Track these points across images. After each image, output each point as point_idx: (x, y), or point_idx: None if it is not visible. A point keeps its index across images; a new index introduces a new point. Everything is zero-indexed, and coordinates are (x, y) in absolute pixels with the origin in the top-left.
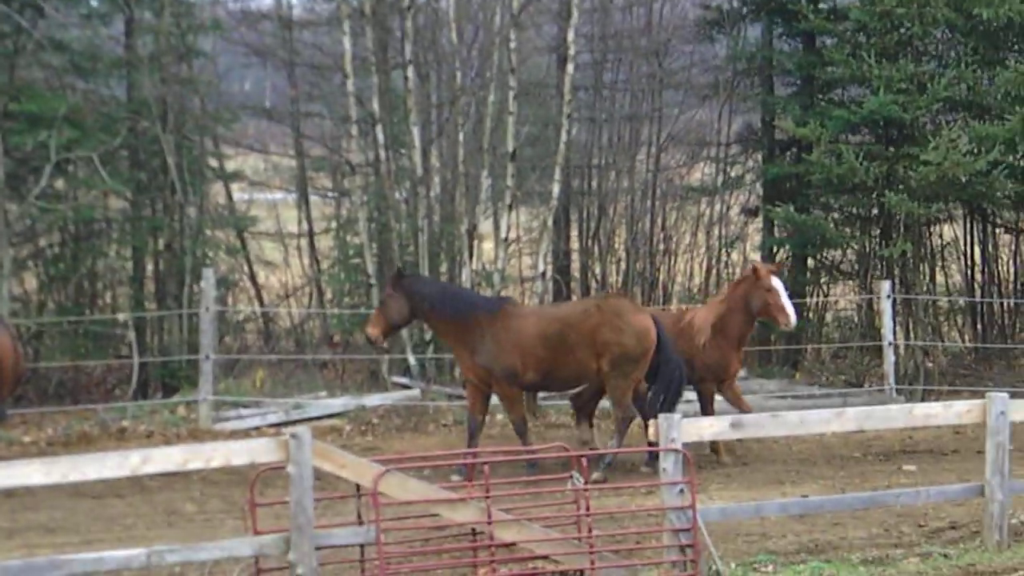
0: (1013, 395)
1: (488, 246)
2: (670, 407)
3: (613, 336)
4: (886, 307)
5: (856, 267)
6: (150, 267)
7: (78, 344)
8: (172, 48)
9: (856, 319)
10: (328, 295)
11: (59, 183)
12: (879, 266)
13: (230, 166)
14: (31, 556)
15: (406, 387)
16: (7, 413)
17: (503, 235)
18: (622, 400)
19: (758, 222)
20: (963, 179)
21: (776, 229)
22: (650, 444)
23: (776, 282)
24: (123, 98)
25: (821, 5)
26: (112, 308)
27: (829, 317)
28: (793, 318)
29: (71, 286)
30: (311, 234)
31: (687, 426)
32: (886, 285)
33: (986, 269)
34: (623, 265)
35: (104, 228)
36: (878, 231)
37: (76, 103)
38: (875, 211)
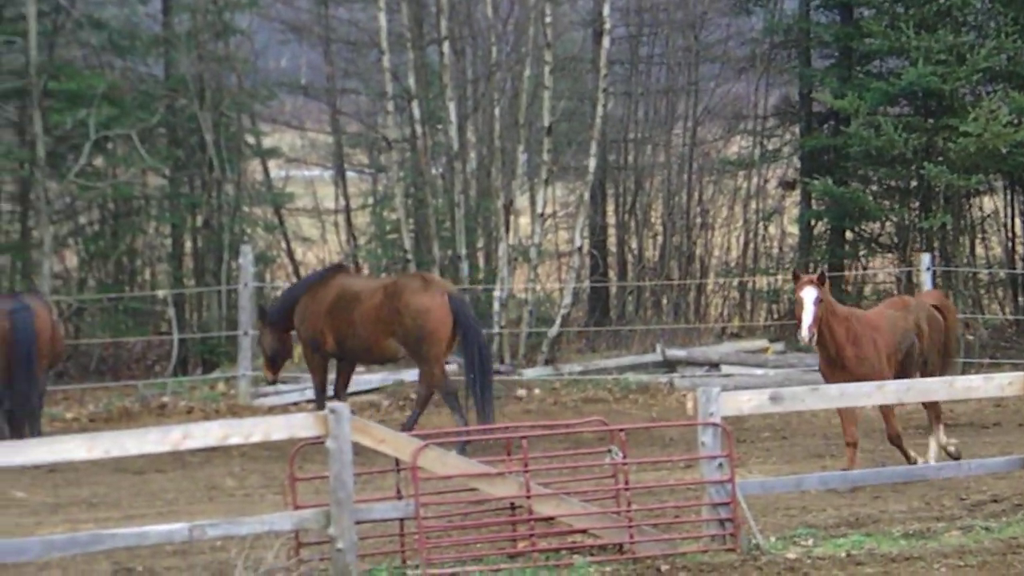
0: None
1: (524, 221)
2: (482, 386)
3: (392, 316)
4: (926, 279)
5: (895, 240)
6: (189, 244)
7: (118, 321)
8: (209, 25)
9: (895, 292)
10: (365, 271)
11: (98, 161)
12: (918, 238)
13: (267, 143)
14: (75, 531)
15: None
16: (48, 389)
17: (539, 210)
18: (426, 379)
19: (796, 195)
20: (1003, 150)
21: (814, 202)
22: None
23: (804, 293)
24: (161, 76)
25: None
26: (151, 285)
27: (868, 290)
28: (803, 333)
29: (111, 263)
30: (348, 210)
31: (726, 400)
32: (926, 258)
33: None
34: (659, 239)
35: (143, 205)
36: (917, 203)
37: (114, 81)
38: (914, 183)
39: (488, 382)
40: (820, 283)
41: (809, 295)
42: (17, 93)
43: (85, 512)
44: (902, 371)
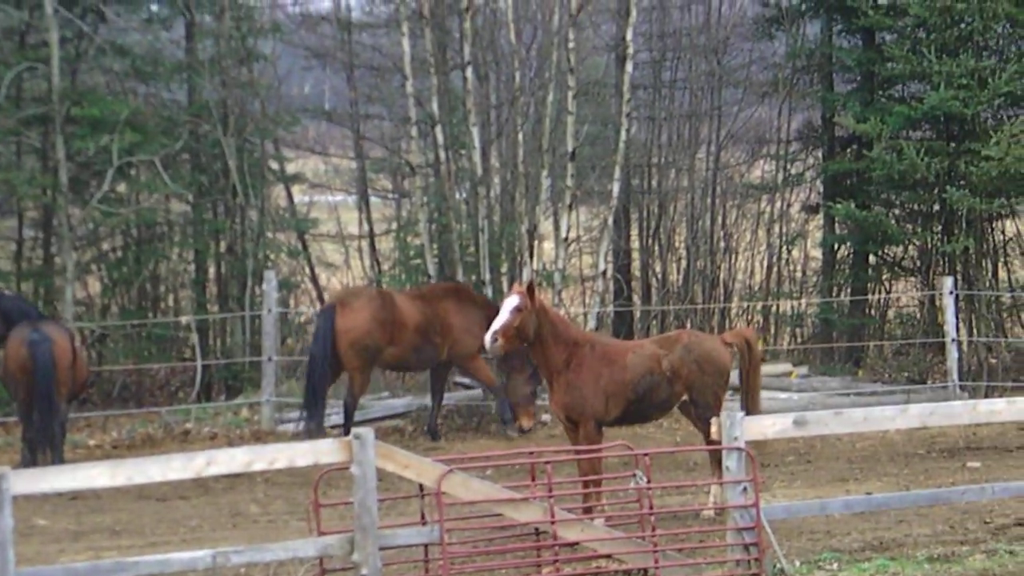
0: None
1: (548, 246)
2: (308, 405)
3: None
4: (949, 303)
5: (918, 263)
6: (212, 270)
7: (141, 347)
8: (232, 51)
9: (918, 316)
10: None
11: (121, 187)
12: (941, 262)
13: (291, 168)
14: (97, 559)
15: (468, 387)
16: (70, 416)
17: (563, 235)
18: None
19: (819, 219)
20: None
21: (837, 226)
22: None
23: (505, 300)
24: (184, 102)
25: (880, 1)
26: (175, 311)
27: (891, 314)
28: (486, 336)
29: (134, 289)
30: (372, 236)
31: (750, 424)
32: (948, 281)
33: None
34: (683, 263)
35: (166, 231)
36: (940, 227)
37: (138, 107)
38: (936, 207)
39: (314, 399)
40: (529, 293)
41: (508, 302)
42: (40, 119)
43: (108, 539)
44: (639, 413)
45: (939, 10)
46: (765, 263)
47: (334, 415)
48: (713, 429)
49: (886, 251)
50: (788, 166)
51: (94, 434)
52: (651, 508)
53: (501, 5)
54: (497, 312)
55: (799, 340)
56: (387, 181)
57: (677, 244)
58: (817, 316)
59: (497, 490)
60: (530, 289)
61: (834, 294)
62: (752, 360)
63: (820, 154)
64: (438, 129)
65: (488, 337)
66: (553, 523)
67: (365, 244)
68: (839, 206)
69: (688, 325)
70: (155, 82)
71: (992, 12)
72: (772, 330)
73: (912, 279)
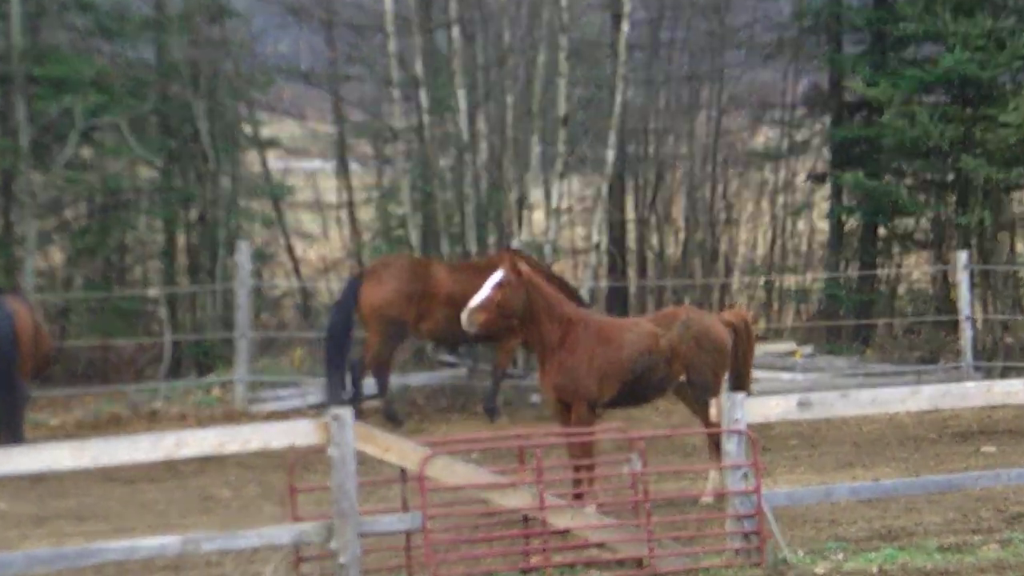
0: None
1: (539, 216)
2: (327, 379)
3: None
4: (963, 279)
5: (931, 236)
6: (182, 240)
7: (107, 321)
8: (203, 7)
9: (931, 292)
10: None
11: (85, 151)
12: (955, 235)
13: (265, 132)
14: (61, 544)
15: (452, 366)
16: (31, 394)
17: (555, 204)
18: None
19: (826, 189)
20: None
21: (845, 196)
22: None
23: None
24: (152, 61)
25: None
26: (142, 283)
27: (902, 290)
28: (463, 313)
29: (99, 260)
30: (351, 204)
31: (752, 405)
32: (963, 255)
33: None
34: (681, 235)
35: (133, 199)
36: (954, 198)
37: (103, 67)
38: (951, 176)
39: (333, 362)
40: (512, 266)
41: (492, 277)
42: None
43: (72, 524)
44: (634, 394)
45: None
46: (768, 235)
47: (310, 395)
48: (712, 411)
49: (897, 223)
50: (793, 132)
51: (57, 413)
52: (646, 494)
53: None
54: (561, 285)
55: (804, 317)
56: (367, 146)
57: (675, 215)
58: (823, 292)
59: (483, 474)
60: (513, 261)
61: (841, 269)
62: (749, 342)
63: (827, 120)
64: (422, 91)
65: (464, 314)
66: (542, 510)
67: (344, 213)
68: (847, 175)
69: (686, 301)
70: (121, 40)
71: None
72: (775, 307)
73: (924, 253)
